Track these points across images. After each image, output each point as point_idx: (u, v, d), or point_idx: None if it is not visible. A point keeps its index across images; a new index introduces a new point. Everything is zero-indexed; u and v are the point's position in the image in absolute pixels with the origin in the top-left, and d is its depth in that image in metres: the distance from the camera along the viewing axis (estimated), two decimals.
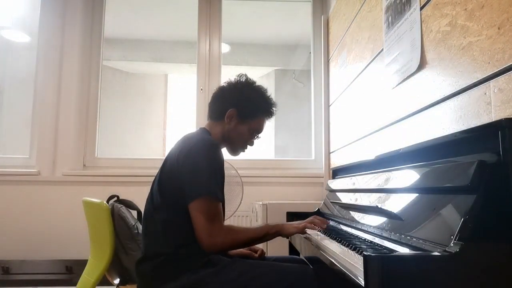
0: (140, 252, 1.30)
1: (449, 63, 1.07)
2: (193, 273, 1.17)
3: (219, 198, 1.20)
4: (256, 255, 1.51)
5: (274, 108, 1.43)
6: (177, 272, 1.18)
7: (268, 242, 2.11)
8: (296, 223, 1.37)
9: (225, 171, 1.40)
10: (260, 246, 1.65)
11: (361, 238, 1.20)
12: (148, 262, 1.23)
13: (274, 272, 1.23)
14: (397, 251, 0.92)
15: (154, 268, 1.20)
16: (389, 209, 1.13)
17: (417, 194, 1.05)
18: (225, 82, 1.43)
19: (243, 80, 1.41)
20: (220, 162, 1.25)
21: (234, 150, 1.44)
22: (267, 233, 1.30)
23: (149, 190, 1.34)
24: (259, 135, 1.45)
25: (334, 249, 1.08)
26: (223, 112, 1.36)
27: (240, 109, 1.36)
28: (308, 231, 1.37)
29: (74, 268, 2.52)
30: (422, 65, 1.23)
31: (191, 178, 1.19)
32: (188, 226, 1.18)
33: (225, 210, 1.36)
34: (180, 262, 1.19)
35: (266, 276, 1.21)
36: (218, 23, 2.97)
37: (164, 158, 1.33)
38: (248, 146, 1.45)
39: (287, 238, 1.80)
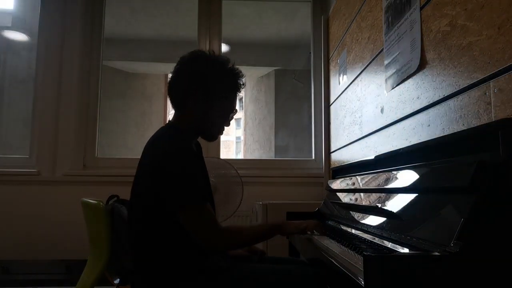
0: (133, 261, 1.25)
1: (449, 63, 1.07)
2: (191, 281, 1.15)
3: (204, 200, 1.14)
4: (256, 257, 1.50)
5: (241, 80, 1.27)
6: (173, 280, 1.16)
7: (269, 243, 2.13)
8: (297, 222, 1.34)
9: (225, 171, 1.39)
10: (260, 247, 1.65)
11: (361, 238, 1.20)
12: (140, 273, 1.20)
13: (273, 275, 1.21)
14: (397, 251, 0.92)
15: (148, 278, 1.18)
16: (389, 209, 1.13)
17: (417, 194, 1.05)
18: (178, 64, 1.25)
19: (199, 57, 1.25)
20: (194, 163, 1.17)
21: (211, 136, 1.32)
22: (268, 231, 1.28)
23: None
24: (234, 112, 1.31)
25: (334, 249, 1.08)
26: (186, 101, 1.23)
27: (204, 93, 1.22)
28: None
29: (74, 268, 2.52)
30: (422, 65, 1.23)
31: (171, 189, 1.12)
32: (175, 236, 1.16)
33: (225, 210, 1.36)
34: (175, 271, 1.17)
35: (266, 280, 1.19)
36: (218, 23, 2.97)
37: (137, 165, 1.24)
38: (225, 127, 1.33)
39: (286, 237, 1.80)
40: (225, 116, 1.29)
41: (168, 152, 1.14)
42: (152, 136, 1.27)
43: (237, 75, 1.27)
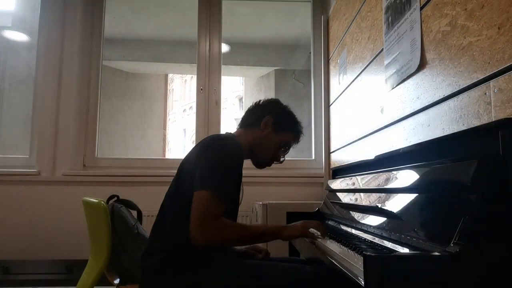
0: (144, 248, 1.29)
1: (449, 63, 1.07)
2: (196, 271, 1.17)
3: (222, 194, 1.16)
4: (261, 255, 1.51)
5: (301, 135, 1.49)
6: (181, 269, 1.18)
7: (268, 242, 2.12)
8: (299, 223, 1.30)
9: None
10: (261, 246, 1.65)
11: (361, 238, 1.20)
12: (153, 257, 1.22)
13: (275, 272, 1.23)
14: (397, 251, 0.92)
15: (159, 263, 1.20)
16: (389, 209, 1.13)
17: (417, 194, 1.05)
18: (260, 100, 1.51)
19: (278, 102, 1.49)
20: (236, 160, 1.27)
21: (261, 161, 1.47)
22: (264, 234, 1.26)
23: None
24: (285, 154, 1.49)
25: (334, 249, 1.08)
26: (259, 119, 1.40)
27: (277, 118, 1.41)
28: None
29: (74, 268, 2.52)
30: (422, 65, 1.23)
31: (202, 169, 1.19)
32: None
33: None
34: (184, 259, 1.19)
35: (267, 277, 1.21)
36: (218, 23, 2.97)
37: (186, 154, 1.36)
38: (274, 163, 1.49)
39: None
40: (280, 148, 1.45)
41: (218, 141, 1.28)
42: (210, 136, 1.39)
43: (301, 130, 1.49)
